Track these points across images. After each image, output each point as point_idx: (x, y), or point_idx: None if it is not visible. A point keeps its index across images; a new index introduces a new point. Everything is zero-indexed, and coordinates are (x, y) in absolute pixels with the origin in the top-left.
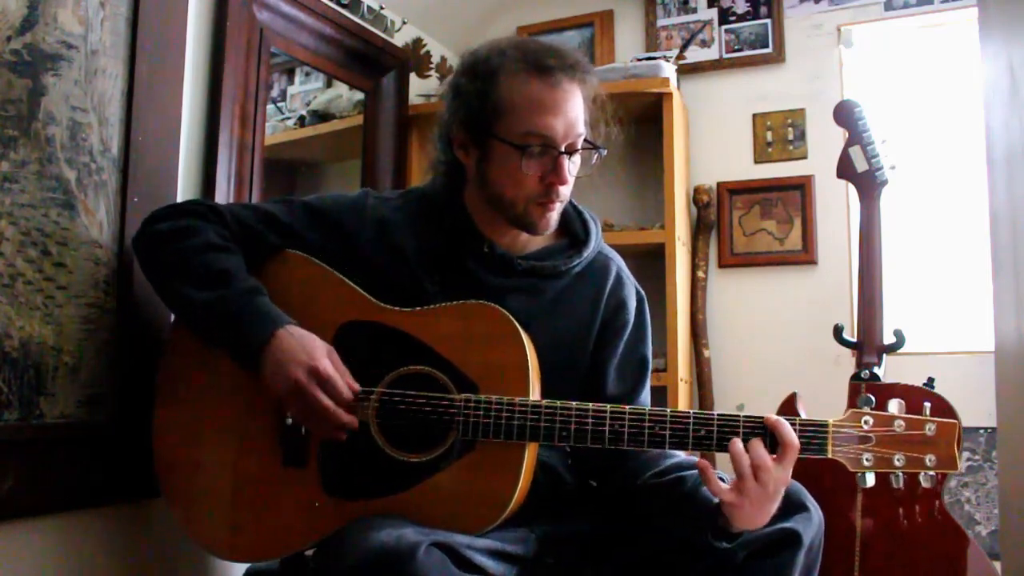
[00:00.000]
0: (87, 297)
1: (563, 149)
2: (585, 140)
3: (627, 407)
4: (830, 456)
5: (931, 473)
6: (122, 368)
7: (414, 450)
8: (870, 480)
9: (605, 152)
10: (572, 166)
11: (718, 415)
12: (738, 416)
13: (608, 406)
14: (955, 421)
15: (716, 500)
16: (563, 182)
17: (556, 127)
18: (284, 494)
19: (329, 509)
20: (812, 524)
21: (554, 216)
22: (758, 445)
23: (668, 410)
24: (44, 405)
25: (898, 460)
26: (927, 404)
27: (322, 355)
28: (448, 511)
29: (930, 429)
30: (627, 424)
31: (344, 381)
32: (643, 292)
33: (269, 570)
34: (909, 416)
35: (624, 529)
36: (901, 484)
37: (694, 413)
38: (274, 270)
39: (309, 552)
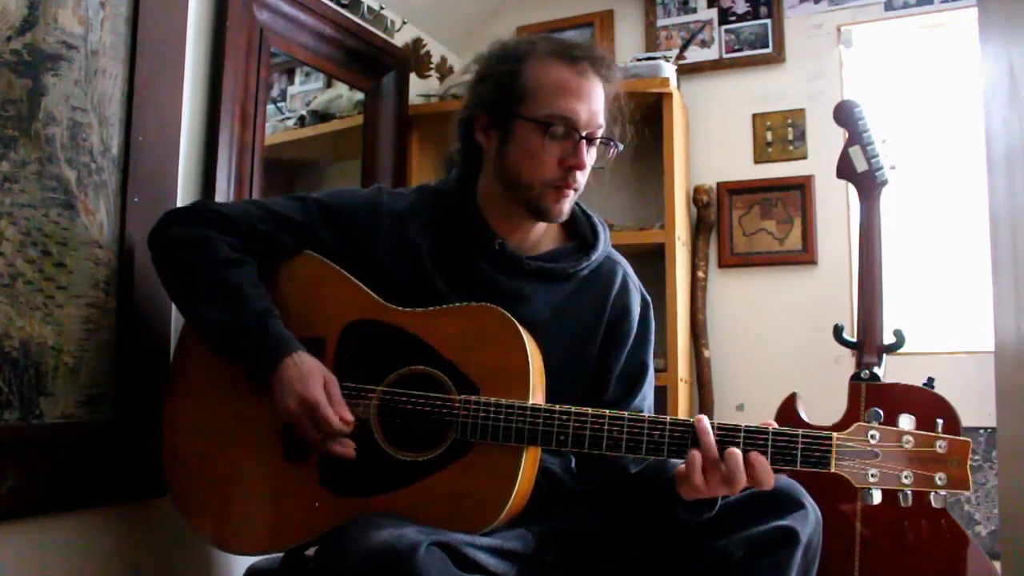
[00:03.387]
0: (87, 297)
1: (584, 135)
2: (604, 134)
3: (627, 413)
4: (833, 471)
5: (942, 492)
6: (122, 368)
7: (414, 449)
8: (876, 497)
9: (622, 148)
10: (589, 156)
11: (718, 424)
12: (739, 426)
13: (607, 412)
14: (967, 440)
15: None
16: (581, 166)
17: (580, 111)
18: (285, 488)
19: (328, 505)
20: (809, 522)
21: (567, 204)
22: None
23: (668, 417)
24: (44, 405)
25: (906, 477)
26: (940, 421)
27: (317, 386)
28: (446, 511)
29: (941, 446)
30: (625, 431)
31: (334, 412)
32: (649, 298)
33: (269, 569)
34: (918, 432)
35: (624, 529)
36: (910, 503)
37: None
38: (284, 270)
39: (310, 551)
